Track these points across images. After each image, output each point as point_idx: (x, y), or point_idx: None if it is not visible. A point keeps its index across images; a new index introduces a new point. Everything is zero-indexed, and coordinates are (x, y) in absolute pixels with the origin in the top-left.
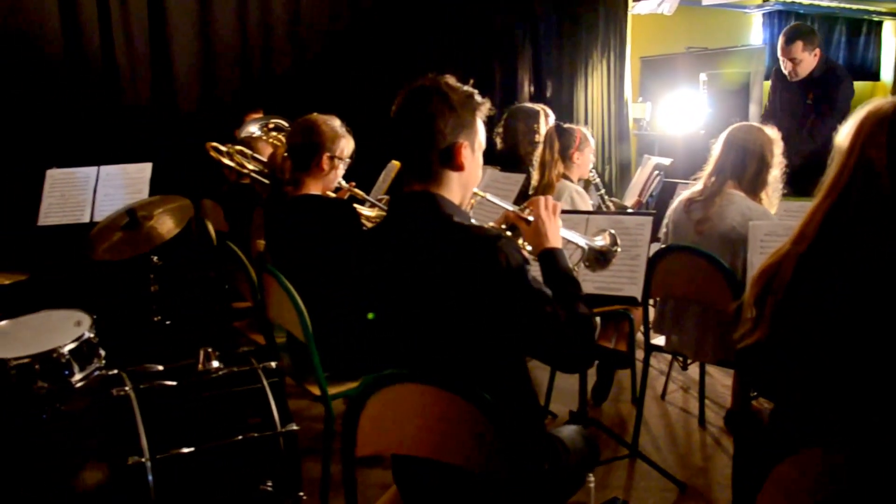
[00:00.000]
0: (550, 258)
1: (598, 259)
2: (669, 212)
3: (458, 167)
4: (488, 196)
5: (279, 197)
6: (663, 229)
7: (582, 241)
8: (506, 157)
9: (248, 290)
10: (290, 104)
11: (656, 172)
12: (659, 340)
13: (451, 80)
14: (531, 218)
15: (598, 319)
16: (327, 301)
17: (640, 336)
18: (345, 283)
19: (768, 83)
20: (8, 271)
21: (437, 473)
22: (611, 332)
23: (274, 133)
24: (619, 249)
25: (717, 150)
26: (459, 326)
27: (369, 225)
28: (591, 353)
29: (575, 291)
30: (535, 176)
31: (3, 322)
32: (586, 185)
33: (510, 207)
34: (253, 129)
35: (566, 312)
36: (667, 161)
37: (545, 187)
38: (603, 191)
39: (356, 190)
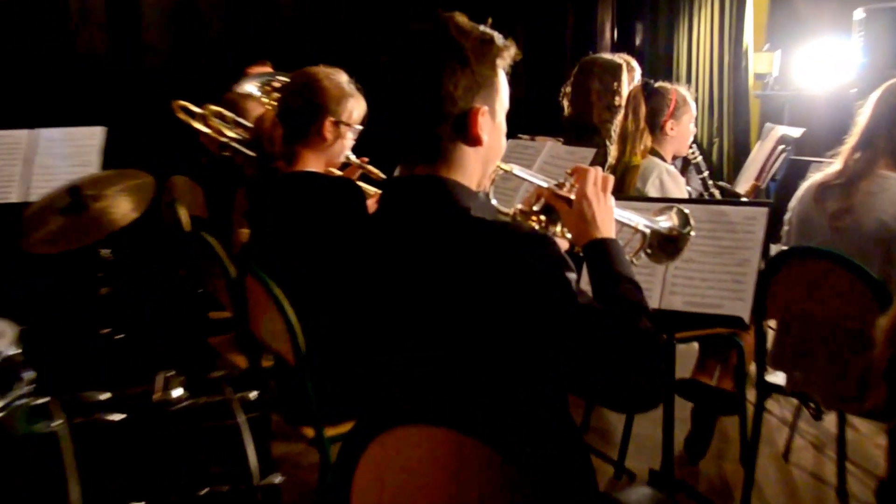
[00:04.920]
0: (600, 252)
1: (664, 246)
2: (794, 201)
3: (475, 141)
4: (514, 170)
5: (267, 174)
6: (785, 226)
7: (641, 223)
8: (574, 125)
9: (228, 295)
10: (291, 57)
11: (781, 147)
12: (778, 378)
13: (461, 18)
14: (573, 196)
15: (695, 345)
16: (326, 313)
17: (752, 371)
18: (345, 290)
19: None
20: None
21: None
22: (712, 366)
23: (276, 95)
24: (692, 232)
25: (864, 116)
26: (480, 353)
27: None
28: (658, 384)
29: (635, 299)
30: (614, 151)
31: None
32: (685, 165)
33: (544, 183)
34: (250, 87)
35: (623, 328)
36: (796, 132)
37: (626, 166)
38: (706, 173)
39: (370, 167)
